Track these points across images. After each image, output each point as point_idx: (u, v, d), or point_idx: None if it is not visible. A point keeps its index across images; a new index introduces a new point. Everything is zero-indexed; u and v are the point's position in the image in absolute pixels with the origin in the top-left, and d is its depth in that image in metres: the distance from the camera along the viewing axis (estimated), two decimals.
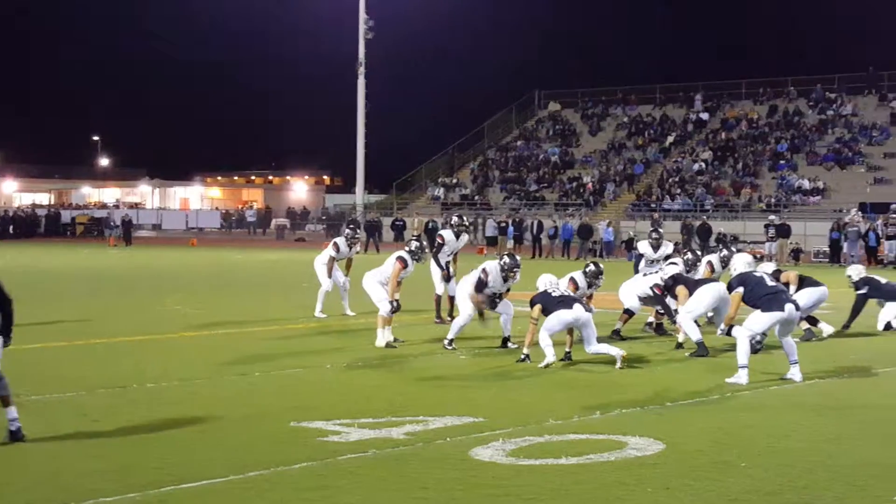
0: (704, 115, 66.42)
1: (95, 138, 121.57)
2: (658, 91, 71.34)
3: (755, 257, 17.86)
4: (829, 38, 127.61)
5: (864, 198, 50.53)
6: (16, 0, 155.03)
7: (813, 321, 17.20)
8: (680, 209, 54.79)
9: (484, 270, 15.27)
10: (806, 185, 54.67)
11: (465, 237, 18.99)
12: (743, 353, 12.88)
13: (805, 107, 63.69)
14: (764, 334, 14.58)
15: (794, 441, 9.51)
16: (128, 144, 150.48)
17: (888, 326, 18.13)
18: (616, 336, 16.56)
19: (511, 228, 48.49)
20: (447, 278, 18.39)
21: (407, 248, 16.25)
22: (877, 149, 57.18)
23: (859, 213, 43.94)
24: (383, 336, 15.57)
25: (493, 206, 61.12)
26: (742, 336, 13.05)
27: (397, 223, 51.17)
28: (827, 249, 42.37)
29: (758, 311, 13.31)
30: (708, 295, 15.58)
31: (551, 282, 14.70)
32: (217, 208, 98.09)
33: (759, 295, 13.39)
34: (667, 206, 55.73)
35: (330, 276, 19.83)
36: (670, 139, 64.95)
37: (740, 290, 13.46)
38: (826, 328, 17.18)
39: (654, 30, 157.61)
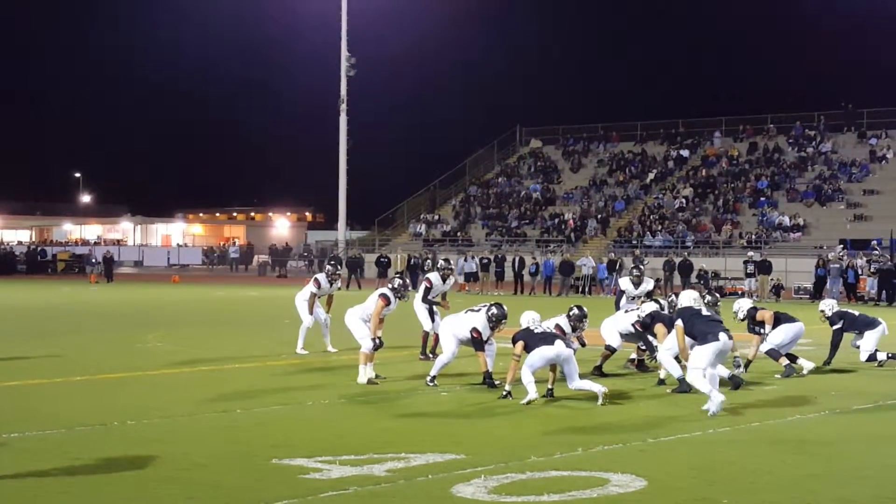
0: (685, 152, 66.78)
1: (77, 175, 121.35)
2: (639, 128, 71.74)
3: (733, 294, 18.03)
4: (809, 75, 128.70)
5: (844, 234, 50.82)
6: None
7: (792, 357, 17.24)
8: (661, 246, 54.99)
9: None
10: (786, 221, 54.96)
11: (451, 280, 19.20)
12: (704, 385, 13.19)
13: (785, 144, 64.12)
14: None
15: (776, 477, 9.52)
16: (109, 181, 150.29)
17: (872, 357, 18.09)
18: (597, 372, 16.53)
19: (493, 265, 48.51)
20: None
21: (390, 286, 16.24)
22: (856, 185, 57.57)
23: (844, 250, 44.22)
24: (365, 373, 15.54)
25: (474, 243, 61.20)
26: (694, 378, 13.41)
27: (382, 260, 51.20)
28: (808, 286, 42.53)
29: (696, 346, 13.64)
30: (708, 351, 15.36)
31: (534, 319, 14.69)
32: (198, 245, 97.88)
33: (695, 327, 13.85)
34: (648, 242, 55.94)
35: (311, 312, 19.82)
36: (651, 176, 65.25)
37: (679, 323, 14.03)
38: (806, 364, 17.20)
39: (635, 67, 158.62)
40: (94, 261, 60.43)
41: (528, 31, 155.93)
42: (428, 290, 18.56)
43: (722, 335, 13.45)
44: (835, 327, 18.33)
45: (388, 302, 15.87)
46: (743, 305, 17.61)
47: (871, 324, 18.40)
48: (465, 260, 48.20)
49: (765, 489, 9.06)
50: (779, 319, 17.39)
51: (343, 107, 64.50)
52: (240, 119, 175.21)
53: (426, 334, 18.69)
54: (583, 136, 73.10)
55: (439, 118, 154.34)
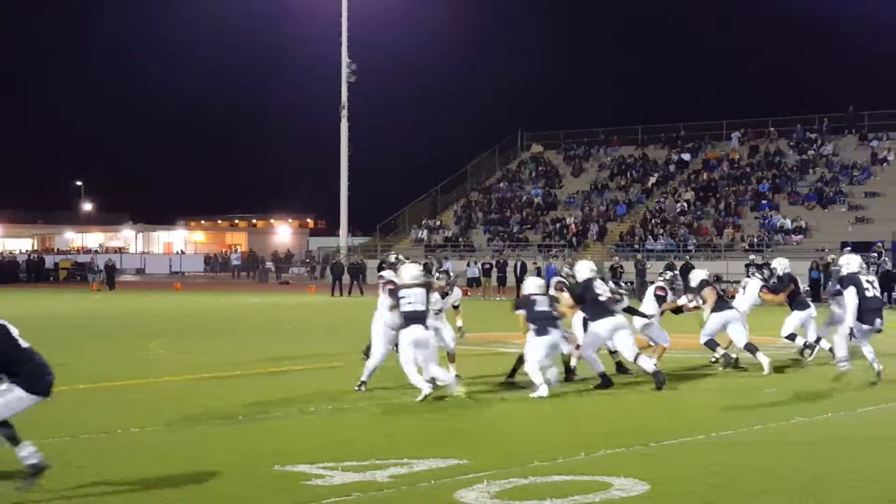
0: (686, 156, 66.80)
1: (78, 183, 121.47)
2: (640, 132, 71.76)
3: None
4: (810, 78, 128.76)
5: (846, 237, 50.78)
6: None
7: (753, 349, 17.64)
8: (663, 249, 54.98)
9: None
10: (788, 224, 54.95)
11: (457, 292, 18.27)
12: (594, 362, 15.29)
13: (786, 147, 64.12)
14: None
15: (779, 481, 9.50)
16: (111, 189, 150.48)
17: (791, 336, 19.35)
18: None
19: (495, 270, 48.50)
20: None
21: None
22: (858, 188, 57.56)
23: (849, 251, 44.15)
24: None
25: (476, 248, 61.21)
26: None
27: (383, 266, 51.15)
28: (808, 288, 42.49)
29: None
30: (602, 327, 15.63)
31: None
32: (200, 252, 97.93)
33: (588, 300, 15.44)
34: (650, 246, 55.94)
35: None
36: (652, 180, 65.26)
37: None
38: (763, 360, 17.49)
39: (636, 72, 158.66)
40: (95, 269, 60.40)
41: (529, 37, 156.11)
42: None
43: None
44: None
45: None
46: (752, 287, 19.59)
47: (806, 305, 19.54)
48: (468, 265, 48.20)
49: (768, 493, 9.05)
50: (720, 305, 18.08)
51: (344, 113, 64.56)
52: (241, 126, 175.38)
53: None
54: (584, 141, 73.13)
55: (440, 124, 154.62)
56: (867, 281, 16.35)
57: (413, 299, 14.27)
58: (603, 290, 15.74)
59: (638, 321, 17.50)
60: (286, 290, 56.50)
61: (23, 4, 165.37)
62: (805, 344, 19.41)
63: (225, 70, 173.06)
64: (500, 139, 75.94)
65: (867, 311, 16.12)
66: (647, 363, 15.53)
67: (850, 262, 16.75)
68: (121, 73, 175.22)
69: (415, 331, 14.17)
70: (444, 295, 16.00)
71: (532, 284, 15.53)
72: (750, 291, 19.96)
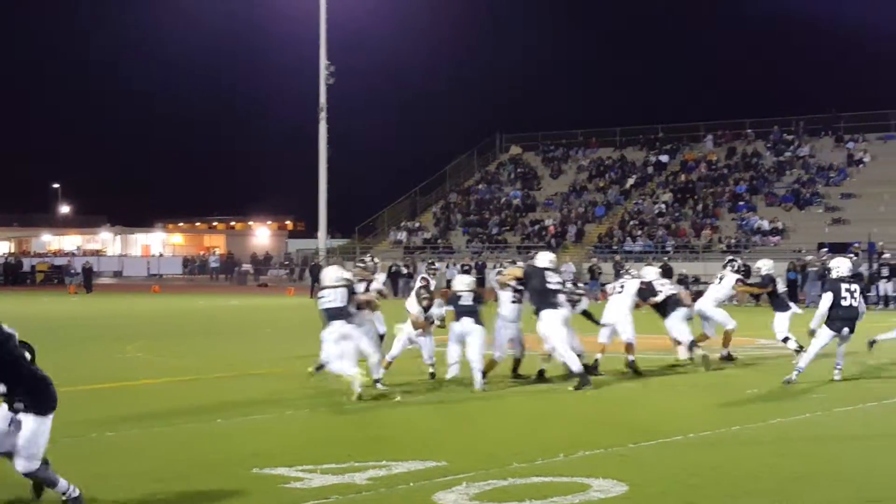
0: (664, 158, 66.97)
1: (55, 186, 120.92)
2: (618, 134, 71.88)
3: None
4: (785, 80, 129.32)
5: (822, 238, 51.02)
6: None
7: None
8: (641, 251, 55.10)
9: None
10: (765, 225, 55.14)
11: (380, 277, 18.61)
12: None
13: (763, 148, 64.35)
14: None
15: (758, 481, 9.52)
16: (88, 192, 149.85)
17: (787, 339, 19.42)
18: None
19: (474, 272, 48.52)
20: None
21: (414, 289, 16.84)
22: (834, 189, 57.78)
23: (829, 252, 44.39)
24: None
25: (455, 250, 61.21)
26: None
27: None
28: (786, 289, 42.65)
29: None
30: (555, 319, 15.89)
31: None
32: (179, 255, 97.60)
33: (537, 287, 15.85)
34: (628, 248, 56.05)
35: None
36: (630, 181, 65.40)
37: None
38: (682, 353, 18.24)
39: (614, 74, 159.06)
40: (72, 271, 60.15)
41: (508, 39, 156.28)
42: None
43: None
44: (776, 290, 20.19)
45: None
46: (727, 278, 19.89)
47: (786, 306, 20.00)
48: (448, 267, 48.22)
49: (747, 493, 9.07)
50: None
51: (322, 115, 64.42)
52: (220, 129, 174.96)
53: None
54: (562, 143, 73.21)
55: (419, 125, 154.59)
56: (847, 290, 16.29)
57: (332, 297, 14.68)
58: (555, 280, 16.14)
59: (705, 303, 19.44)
60: (265, 292, 56.41)
61: None
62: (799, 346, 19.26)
63: (204, 72, 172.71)
64: (479, 141, 76.01)
65: (837, 319, 16.19)
66: (575, 363, 15.74)
67: (839, 267, 16.76)
68: (100, 75, 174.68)
69: (338, 327, 14.52)
70: (368, 282, 16.27)
71: (460, 282, 16.33)
72: (725, 283, 20.26)
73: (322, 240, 67.06)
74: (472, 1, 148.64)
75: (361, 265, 17.08)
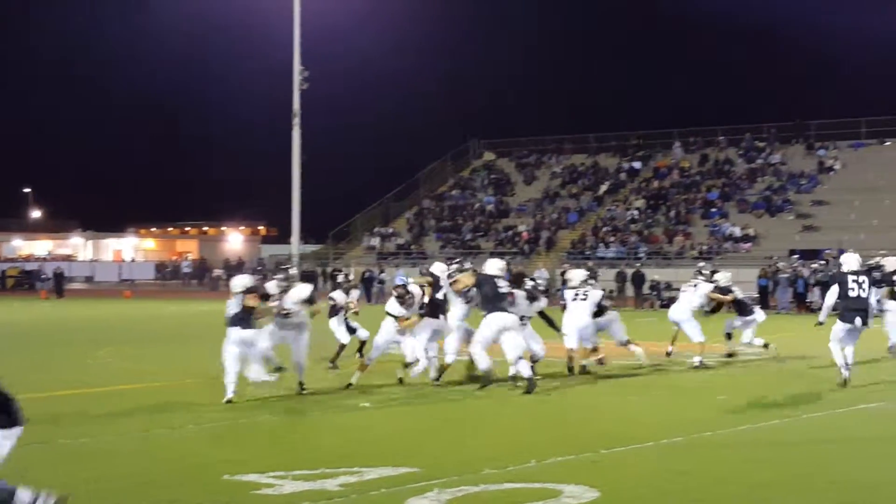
0: (637, 164, 67.20)
1: (26, 190, 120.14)
2: (591, 140, 72.08)
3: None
4: (758, 88, 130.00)
5: (793, 245, 51.31)
6: None
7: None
8: (614, 257, 55.27)
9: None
10: (737, 232, 55.42)
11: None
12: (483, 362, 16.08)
13: (735, 156, 64.68)
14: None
15: (728, 487, 9.57)
16: (60, 196, 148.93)
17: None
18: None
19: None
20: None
21: (395, 295, 16.98)
22: (805, 196, 58.13)
23: (799, 259, 44.67)
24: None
25: (428, 256, 61.20)
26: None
27: (335, 273, 51.19)
28: (756, 296, 42.91)
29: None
30: (491, 323, 16.33)
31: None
32: (151, 260, 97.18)
33: (487, 293, 16.31)
34: (601, 254, 56.20)
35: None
36: (604, 188, 65.58)
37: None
38: (637, 350, 19.13)
39: (587, 80, 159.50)
40: (44, 277, 59.81)
41: (482, 45, 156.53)
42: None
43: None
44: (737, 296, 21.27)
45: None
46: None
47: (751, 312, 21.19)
48: (420, 273, 48.21)
49: (717, 499, 9.12)
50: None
51: (296, 120, 64.28)
52: (193, 133, 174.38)
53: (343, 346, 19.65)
54: (536, 149, 73.35)
55: (393, 132, 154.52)
56: (855, 281, 16.62)
57: (231, 305, 15.58)
58: (505, 286, 16.68)
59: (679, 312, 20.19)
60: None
61: None
62: (764, 344, 21.05)
63: (178, 76, 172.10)
64: (453, 147, 76.07)
65: (848, 310, 16.53)
66: (525, 368, 16.03)
67: (847, 261, 17.27)
68: (71, 79, 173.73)
69: (237, 332, 15.13)
70: (284, 290, 16.39)
71: (492, 266, 17.01)
72: (700, 291, 20.71)
73: (295, 245, 66.87)
74: (447, 7, 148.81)
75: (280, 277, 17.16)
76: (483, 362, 16.36)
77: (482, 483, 9.55)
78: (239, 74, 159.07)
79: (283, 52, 64.72)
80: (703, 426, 12.84)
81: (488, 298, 16.43)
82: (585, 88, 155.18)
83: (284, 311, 15.90)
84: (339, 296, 19.89)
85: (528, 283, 18.07)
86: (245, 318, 15.27)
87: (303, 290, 16.34)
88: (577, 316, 18.45)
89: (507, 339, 16.21)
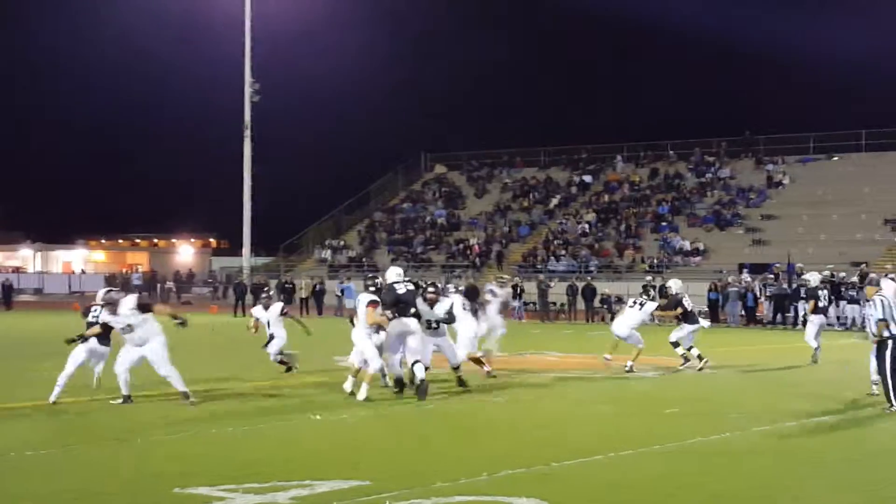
0: (588, 178, 67.53)
1: None
2: (542, 154, 72.36)
3: None
4: (707, 103, 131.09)
5: (743, 259, 51.73)
6: None
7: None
8: (565, 270, 55.45)
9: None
10: (687, 246, 55.81)
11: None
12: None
13: (685, 170, 65.18)
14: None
15: (678, 500, 9.64)
16: (7, 208, 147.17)
17: (675, 344, 21.80)
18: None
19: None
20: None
21: (372, 289, 17.26)
22: (754, 210, 58.63)
23: (747, 274, 45.07)
24: (366, 391, 16.26)
25: (380, 268, 61.08)
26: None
27: (286, 286, 51.12)
28: (706, 309, 43.23)
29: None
30: (394, 329, 16.94)
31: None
32: (101, 272, 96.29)
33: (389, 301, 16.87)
34: (552, 267, 56.37)
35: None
36: (555, 201, 65.83)
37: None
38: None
39: (539, 94, 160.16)
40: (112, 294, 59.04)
41: (432, 58, 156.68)
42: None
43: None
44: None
45: (377, 305, 16.78)
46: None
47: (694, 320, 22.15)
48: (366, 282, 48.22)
49: None
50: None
51: (247, 133, 64.13)
52: (142, 144, 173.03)
53: None
54: (487, 162, 73.52)
55: (344, 144, 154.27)
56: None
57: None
58: (404, 292, 17.17)
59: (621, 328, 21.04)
60: (188, 310, 55.73)
61: None
62: (698, 355, 21.71)
63: (126, 86, 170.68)
64: (404, 160, 76.08)
65: None
66: (420, 371, 16.61)
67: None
68: (20, 88, 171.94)
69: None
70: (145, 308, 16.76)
71: (392, 273, 17.86)
72: (646, 309, 21.60)
73: (246, 258, 66.67)
74: (397, 20, 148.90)
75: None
76: (395, 369, 17.18)
77: (433, 496, 9.56)
78: (189, 85, 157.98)
79: (235, 64, 64.58)
80: (654, 439, 12.92)
81: (388, 306, 16.94)
82: (536, 102, 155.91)
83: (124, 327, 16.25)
84: (258, 311, 21.46)
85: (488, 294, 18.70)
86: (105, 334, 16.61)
87: (131, 298, 16.61)
88: (626, 319, 21.08)
89: (408, 342, 16.84)
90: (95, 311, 17.39)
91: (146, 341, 16.01)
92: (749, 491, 10.06)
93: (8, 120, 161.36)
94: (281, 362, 20.83)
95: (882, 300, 15.68)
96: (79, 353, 16.54)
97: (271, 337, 20.96)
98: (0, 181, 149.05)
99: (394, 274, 17.74)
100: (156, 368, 16.09)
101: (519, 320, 44.58)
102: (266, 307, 21.41)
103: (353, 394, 16.68)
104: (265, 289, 24.99)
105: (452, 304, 18.57)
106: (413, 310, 17.05)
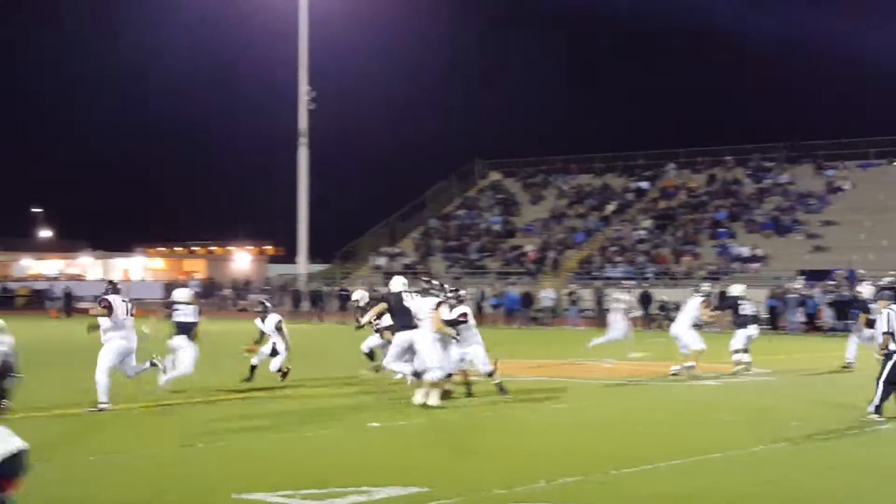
0: (644, 184, 67.17)
1: (36, 210, 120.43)
2: (598, 160, 72.06)
3: None
4: (767, 107, 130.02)
5: (802, 265, 51.16)
6: None
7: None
8: (621, 277, 55.11)
9: None
10: (745, 252, 55.30)
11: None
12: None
13: (743, 175, 64.62)
14: None
15: None
16: (69, 216, 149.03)
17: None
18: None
19: None
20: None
21: (444, 294, 17.31)
22: (814, 216, 58.00)
23: (803, 280, 44.61)
24: (436, 397, 16.22)
25: (435, 275, 61.12)
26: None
27: (342, 293, 51.42)
28: (767, 316, 42.81)
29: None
30: (401, 339, 17.12)
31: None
32: (159, 279, 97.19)
33: (396, 310, 17.04)
34: (608, 273, 56.08)
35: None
36: (611, 208, 65.52)
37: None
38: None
39: (595, 100, 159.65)
40: (53, 296, 59.89)
41: (487, 65, 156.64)
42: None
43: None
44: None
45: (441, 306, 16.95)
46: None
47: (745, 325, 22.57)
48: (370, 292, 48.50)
49: None
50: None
51: (303, 140, 64.46)
52: (199, 153, 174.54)
53: None
54: (542, 169, 73.35)
55: (399, 152, 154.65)
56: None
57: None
58: (413, 304, 17.14)
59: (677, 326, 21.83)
60: (244, 316, 56.12)
61: None
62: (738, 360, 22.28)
63: (184, 96, 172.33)
64: (459, 167, 76.07)
65: None
66: (406, 367, 17.17)
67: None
68: (82, 100, 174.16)
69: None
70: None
71: (397, 283, 17.82)
72: (689, 306, 22.28)
73: (302, 265, 66.98)
74: (453, 28, 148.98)
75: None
76: (405, 368, 17.32)
77: (491, 503, 9.52)
78: (247, 95, 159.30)
79: (291, 72, 64.97)
80: (713, 447, 12.79)
81: (396, 316, 17.16)
82: (592, 108, 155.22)
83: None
84: (258, 323, 21.11)
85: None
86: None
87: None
88: (682, 316, 22.01)
89: (419, 350, 16.83)
90: (177, 308, 18.73)
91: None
92: (810, 502, 9.92)
93: (70, 130, 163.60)
94: (282, 375, 20.36)
95: (889, 313, 15.44)
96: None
97: (274, 351, 20.52)
98: (61, 190, 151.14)
99: (399, 283, 17.65)
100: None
101: (575, 327, 44.43)
102: (262, 319, 20.96)
103: (424, 405, 16.32)
104: (260, 301, 23.38)
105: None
106: (417, 321, 17.03)
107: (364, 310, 21.00)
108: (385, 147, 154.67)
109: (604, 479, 10.82)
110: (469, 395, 17.65)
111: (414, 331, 16.88)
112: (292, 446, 13.09)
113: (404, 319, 17.07)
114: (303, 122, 64.45)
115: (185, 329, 18.16)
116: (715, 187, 64.49)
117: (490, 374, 17.65)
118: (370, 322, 18.99)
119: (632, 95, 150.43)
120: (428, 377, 16.38)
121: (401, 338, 17.10)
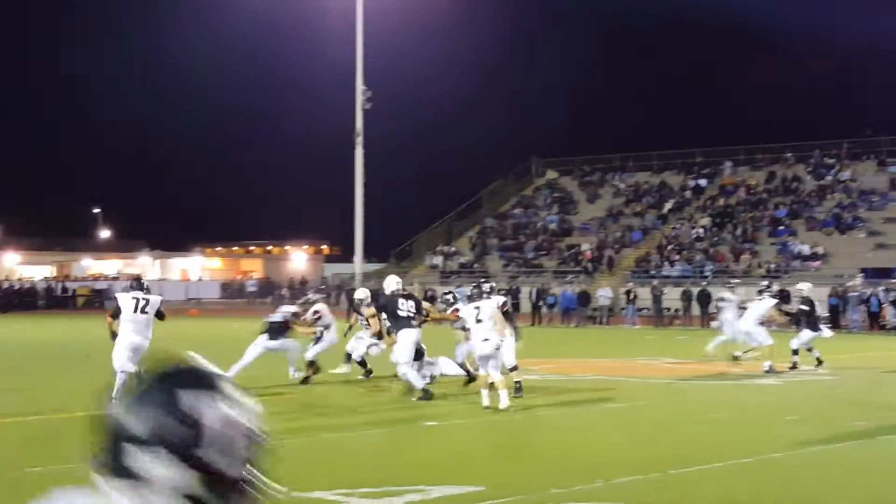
0: (702, 182, 66.63)
1: (96, 211, 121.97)
2: (655, 158, 71.59)
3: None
4: (827, 103, 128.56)
5: (865, 263, 50.45)
6: (16, 72, 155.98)
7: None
8: (679, 276, 54.72)
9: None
10: (806, 250, 54.65)
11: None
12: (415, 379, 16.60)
13: (803, 172, 63.89)
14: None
15: None
16: (128, 216, 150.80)
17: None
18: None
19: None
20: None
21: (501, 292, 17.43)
22: (877, 214, 57.20)
23: (861, 278, 44.03)
24: (505, 398, 15.74)
25: (491, 275, 61.02)
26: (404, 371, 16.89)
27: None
28: (827, 314, 42.29)
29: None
30: (406, 340, 17.00)
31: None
32: (216, 279, 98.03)
33: (390, 312, 17.10)
34: (666, 272, 55.68)
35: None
36: (668, 206, 65.06)
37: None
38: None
39: (651, 97, 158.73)
40: (113, 296, 60.55)
41: (543, 63, 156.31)
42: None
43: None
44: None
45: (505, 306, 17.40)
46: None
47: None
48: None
49: None
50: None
51: (359, 140, 64.61)
52: (256, 154, 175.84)
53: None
54: (599, 167, 73.00)
55: (455, 150, 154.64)
56: None
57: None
58: (405, 306, 17.23)
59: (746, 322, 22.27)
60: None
61: (45, 31, 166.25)
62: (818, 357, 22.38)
63: (240, 98, 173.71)
64: (515, 165, 75.91)
65: None
66: (418, 380, 16.84)
67: None
68: (140, 101, 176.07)
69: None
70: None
71: (392, 282, 17.93)
72: (763, 305, 22.41)
73: (358, 264, 67.13)
74: (508, 26, 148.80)
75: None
76: (417, 381, 16.88)
77: (548, 502, 9.42)
78: (303, 95, 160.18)
79: (347, 72, 65.13)
80: (773, 447, 12.60)
81: (394, 317, 17.11)
82: (648, 105, 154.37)
83: None
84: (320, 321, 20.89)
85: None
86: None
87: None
88: (751, 312, 22.22)
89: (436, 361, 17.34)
90: (282, 308, 19.56)
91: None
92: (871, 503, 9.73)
93: (128, 131, 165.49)
94: (314, 370, 20.08)
95: None
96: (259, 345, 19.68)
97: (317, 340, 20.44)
98: (121, 191, 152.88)
99: (394, 283, 17.62)
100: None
101: (633, 326, 44.17)
102: (296, 315, 20.84)
103: (488, 407, 15.87)
104: (306, 299, 23.31)
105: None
106: (416, 321, 17.16)
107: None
108: (441, 146, 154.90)
109: (662, 478, 10.68)
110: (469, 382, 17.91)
111: (417, 330, 17.04)
112: (348, 446, 13.07)
113: (401, 320, 17.07)
114: (359, 122, 64.57)
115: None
116: (774, 184, 63.82)
117: (513, 370, 17.28)
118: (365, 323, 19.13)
119: (691, 92, 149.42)
120: (493, 378, 15.91)
121: (406, 337, 16.98)
